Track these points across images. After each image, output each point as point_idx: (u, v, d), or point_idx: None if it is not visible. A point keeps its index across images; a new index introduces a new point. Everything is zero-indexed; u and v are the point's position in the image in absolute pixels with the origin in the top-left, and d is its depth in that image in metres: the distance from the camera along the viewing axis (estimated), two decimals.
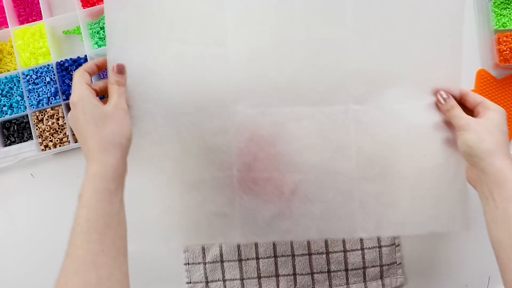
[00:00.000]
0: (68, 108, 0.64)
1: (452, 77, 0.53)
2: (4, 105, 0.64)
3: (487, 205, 0.48)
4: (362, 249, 0.62)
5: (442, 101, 0.52)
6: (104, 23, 0.66)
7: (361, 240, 0.61)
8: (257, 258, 0.62)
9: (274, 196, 0.53)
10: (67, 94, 0.63)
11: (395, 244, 0.62)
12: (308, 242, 0.62)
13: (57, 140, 0.63)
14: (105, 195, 0.43)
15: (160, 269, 0.64)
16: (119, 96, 0.48)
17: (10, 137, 0.65)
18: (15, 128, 0.65)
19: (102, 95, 0.50)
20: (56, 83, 0.63)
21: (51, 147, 0.63)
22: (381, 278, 0.61)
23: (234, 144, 0.53)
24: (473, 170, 0.51)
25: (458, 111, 0.51)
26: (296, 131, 0.52)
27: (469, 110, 0.52)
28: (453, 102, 0.52)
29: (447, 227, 0.54)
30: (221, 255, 0.61)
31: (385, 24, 0.52)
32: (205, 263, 0.62)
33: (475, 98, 0.52)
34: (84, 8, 0.64)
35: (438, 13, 0.52)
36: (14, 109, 0.64)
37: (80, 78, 0.47)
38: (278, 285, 0.61)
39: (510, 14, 0.64)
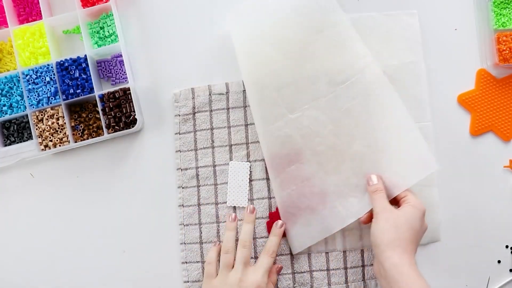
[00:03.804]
0: (68, 108, 0.64)
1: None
2: (4, 105, 0.64)
3: None
4: (362, 247, 0.62)
5: (370, 183, 0.56)
6: (104, 23, 0.66)
7: (361, 238, 0.61)
8: (256, 258, 0.61)
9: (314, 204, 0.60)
10: (66, 94, 0.63)
11: None
12: None
13: (57, 140, 0.63)
14: None
15: (158, 268, 0.64)
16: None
17: (10, 137, 0.65)
18: (15, 128, 0.65)
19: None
20: (56, 83, 0.63)
21: (51, 147, 0.63)
22: None
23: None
24: (377, 262, 0.52)
25: (379, 196, 0.54)
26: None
27: (396, 203, 0.56)
28: (378, 186, 0.55)
29: (418, 175, 0.57)
30: (219, 254, 0.61)
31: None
32: (203, 262, 0.62)
33: (403, 193, 0.55)
34: (84, 8, 0.64)
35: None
36: (14, 108, 0.64)
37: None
38: (277, 284, 0.61)
39: (510, 13, 0.64)
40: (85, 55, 0.64)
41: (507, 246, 0.63)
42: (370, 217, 0.56)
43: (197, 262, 0.62)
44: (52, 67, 0.64)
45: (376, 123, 0.59)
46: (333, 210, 0.59)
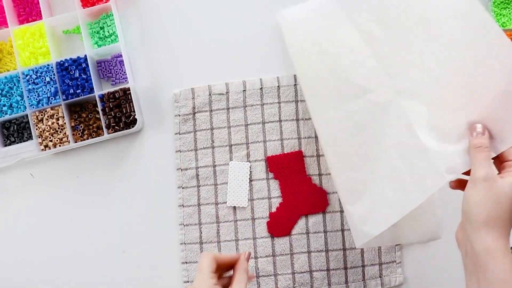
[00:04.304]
0: (68, 108, 0.64)
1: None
2: (4, 105, 0.64)
3: (469, 280, 0.44)
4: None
5: (473, 134, 0.47)
6: (104, 23, 0.66)
7: None
8: (256, 258, 0.62)
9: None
10: (66, 94, 0.63)
11: None
12: (308, 240, 0.62)
13: (57, 140, 0.63)
14: None
15: (158, 268, 0.64)
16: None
17: (10, 137, 0.65)
18: (15, 128, 0.65)
19: None
20: (56, 83, 0.63)
21: (51, 147, 0.63)
22: (380, 277, 0.61)
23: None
24: (463, 231, 0.45)
25: (483, 156, 0.45)
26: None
27: (500, 163, 0.46)
28: (483, 142, 0.46)
29: None
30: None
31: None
32: None
33: (509, 152, 0.45)
34: (84, 8, 0.65)
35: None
36: (14, 109, 0.64)
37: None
38: (277, 284, 0.61)
39: (510, 13, 0.64)
40: (85, 55, 0.64)
41: None
42: (460, 182, 0.49)
43: (197, 262, 0.62)
44: (52, 67, 0.64)
45: (477, 67, 0.49)
46: (433, 167, 0.49)
